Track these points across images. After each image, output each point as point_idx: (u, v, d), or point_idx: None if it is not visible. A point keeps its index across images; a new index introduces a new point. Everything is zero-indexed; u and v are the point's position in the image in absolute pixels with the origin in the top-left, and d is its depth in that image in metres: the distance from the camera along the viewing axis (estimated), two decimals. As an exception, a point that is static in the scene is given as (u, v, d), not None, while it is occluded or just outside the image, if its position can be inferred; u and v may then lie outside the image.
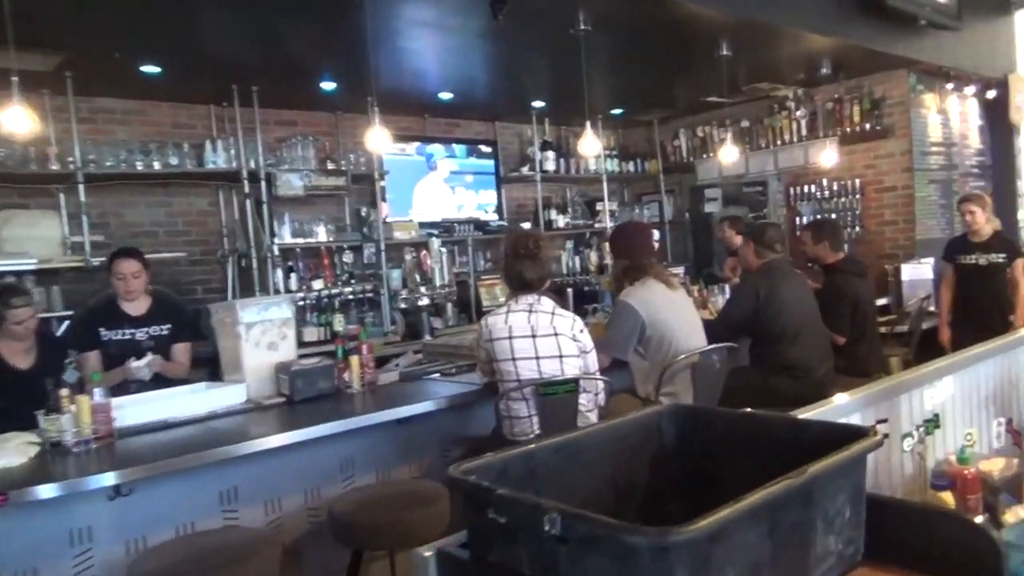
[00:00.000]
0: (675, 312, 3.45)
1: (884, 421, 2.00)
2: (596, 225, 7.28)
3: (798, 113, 6.81)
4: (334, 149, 5.84)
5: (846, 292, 4.39)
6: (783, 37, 4.98)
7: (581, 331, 3.05)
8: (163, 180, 5.15)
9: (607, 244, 4.70)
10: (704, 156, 7.52)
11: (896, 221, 6.46)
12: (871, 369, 4.43)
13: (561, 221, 7.09)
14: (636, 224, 4.43)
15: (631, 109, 7.24)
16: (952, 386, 2.27)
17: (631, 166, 7.85)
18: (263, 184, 5.22)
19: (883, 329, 5.23)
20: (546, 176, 7.03)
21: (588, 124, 4.37)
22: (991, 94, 6.95)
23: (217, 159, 5.13)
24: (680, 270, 5.84)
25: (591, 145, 4.37)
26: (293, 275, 5.30)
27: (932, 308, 5.46)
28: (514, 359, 2.94)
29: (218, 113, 5.44)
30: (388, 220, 6.02)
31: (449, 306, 6.04)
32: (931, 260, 5.96)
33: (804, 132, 6.81)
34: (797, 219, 6.85)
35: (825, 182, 6.73)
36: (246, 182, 5.14)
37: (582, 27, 4.11)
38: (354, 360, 3.30)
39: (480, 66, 5.31)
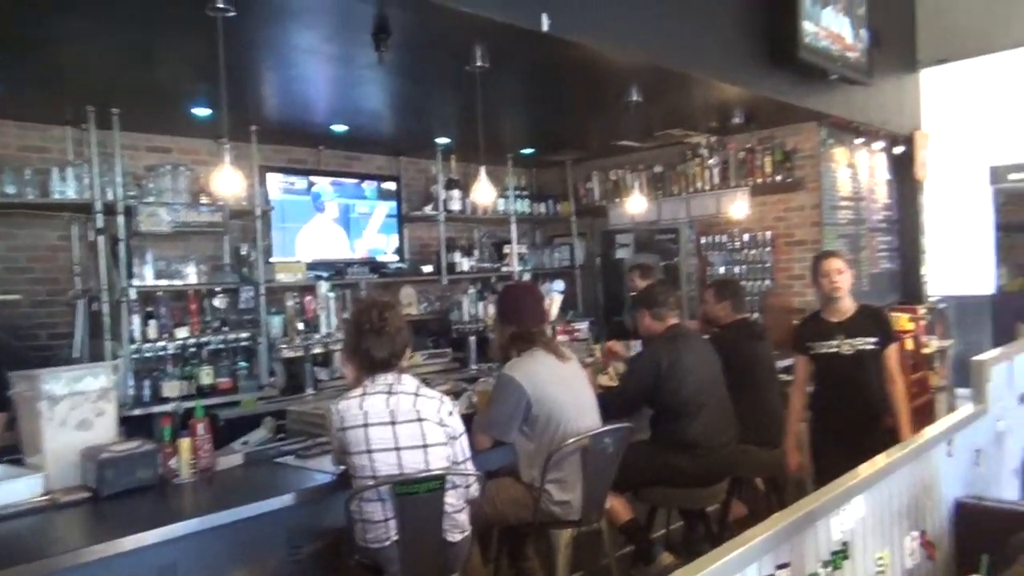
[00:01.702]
0: (565, 388, 3.07)
1: (785, 566, 1.64)
2: (503, 269, 6.90)
3: (710, 161, 6.66)
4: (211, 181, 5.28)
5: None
6: (694, 85, 4.76)
7: (450, 414, 2.63)
8: (2, 211, 4.50)
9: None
10: (616, 200, 7.28)
11: (804, 276, 6.31)
12: (778, 439, 4.16)
13: (466, 264, 6.67)
14: (525, 286, 4.07)
15: (542, 149, 6.93)
16: (863, 507, 1.94)
17: (543, 207, 7.52)
18: (121, 218, 4.62)
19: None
20: (451, 216, 6.62)
21: (483, 169, 3.97)
22: (898, 150, 6.98)
23: (67, 189, 4.50)
24: (584, 325, 5.48)
25: (486, 192, 3.97)
26: (152, 321, 4.69)
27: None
28: (369, 451, 2.49)
29: (76, 136, 4.82)
30: (271, 260, 5.48)
31: (337, 355, 5.54)
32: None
33: (716, 180, 6.65)
34: (708, 269, 6.66)
35: (736, 232, 6.57)
36: (99, 215, 4.53)
37: (478, 64, 3.76)
38: (184, 444, 2.76)
39: (374, 99, 4.87)
